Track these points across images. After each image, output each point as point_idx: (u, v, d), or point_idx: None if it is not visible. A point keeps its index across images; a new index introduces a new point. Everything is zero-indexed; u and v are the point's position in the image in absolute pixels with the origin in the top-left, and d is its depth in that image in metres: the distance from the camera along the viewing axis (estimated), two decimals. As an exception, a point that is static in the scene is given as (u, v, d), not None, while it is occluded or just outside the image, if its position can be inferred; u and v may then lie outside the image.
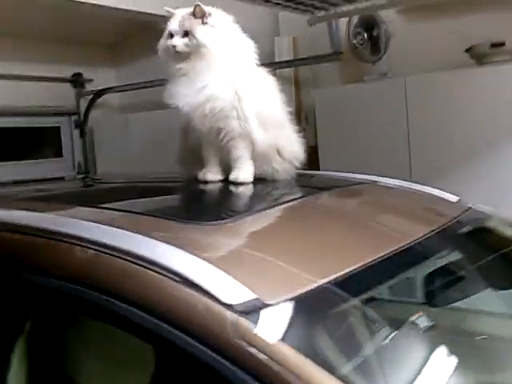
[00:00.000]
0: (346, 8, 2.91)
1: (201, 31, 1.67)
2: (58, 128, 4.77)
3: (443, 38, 3.70)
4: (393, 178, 1.91)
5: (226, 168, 1.75)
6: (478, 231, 1.47)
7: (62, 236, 1.14)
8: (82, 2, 3.52)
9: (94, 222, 1.20)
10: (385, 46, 3.79)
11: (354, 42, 3.88)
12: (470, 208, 1.59)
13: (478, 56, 3.41)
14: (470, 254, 1.33)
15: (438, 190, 1.82)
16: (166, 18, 1.75)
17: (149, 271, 0.98)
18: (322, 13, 3.01)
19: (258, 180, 1.72)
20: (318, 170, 3.51)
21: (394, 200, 1.61)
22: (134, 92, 4.79)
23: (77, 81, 4.83)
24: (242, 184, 1.69)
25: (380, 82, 3.71)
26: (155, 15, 3.80)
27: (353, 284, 1.02)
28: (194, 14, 1.68)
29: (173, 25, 1.69)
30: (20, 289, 1.18)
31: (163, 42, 1.73)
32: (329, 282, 0.98)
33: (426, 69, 3.60)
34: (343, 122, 3.70)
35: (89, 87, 4.91)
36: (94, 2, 3.54)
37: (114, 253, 1.05)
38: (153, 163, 4.26)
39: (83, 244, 1.09)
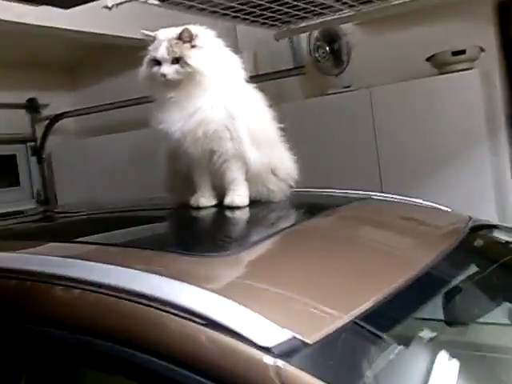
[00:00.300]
0: (313, 22, 2.88)
1: (192, 56, 1.60)
2: (14, 156, 4.60)
3: (404, 47, 3.74)
4: (381, 192, 1.90)
5: (220, 192, 1.69)
6: (489, 242, 1.45)
7: (55, 278, 1.05)
8: (31, 24, 3.36)
9: (88, 260, 1.11)
10: (347, 58, 3.80)
11: (316, 55, 3.87)
12: (471, 219, 1.57)
13: (440, 64, 3.45)
14: (490, 265, 1.30)
15: (431, 203, 1.81)
16: (144, 42, 1.67)
17: (166, 314, 0.90)
18: (285, 27, 2.98)
19: (254, 202, 1.66)
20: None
21: (400, 217, 1.58)
22: (91, 116, 4.67)
23: (32, 106, 4.67)
24: (238, 208, 1.62)
25: (344, 94, 3.72)
26: (110, 36, 3.74)
27: (385, 314, 0.97)
28: (181, 38, 1.60)
29: (160, 51, 1.60)
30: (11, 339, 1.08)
31: (147, 70, 1.65)
32: (361, 315, 0.92)
33: (388, 79, 3.63)
34: (309, 135, 3.68)
35: (45, 112, 4.75)
36: (43, 24, 3.38)
37: (122, 295, 0.96)
38: (115, 188, 4.17)
39: (82, 286, 1.01)
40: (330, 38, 3.82)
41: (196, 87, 1.59)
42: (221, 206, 1.66)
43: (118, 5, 2.14)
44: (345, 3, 2.55)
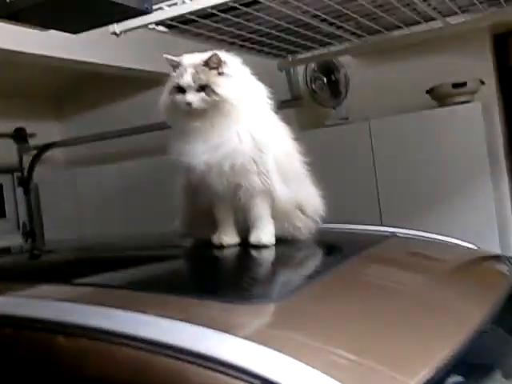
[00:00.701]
0: (319, 52, 2.83)
1: (220, 84, 1.51)
2: (0, 186, 4.45)
3: (402, 79, 3.71)
4: (401, 228, 1.83)
5: (243, 229, 1.60)
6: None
7: (81, 329, 0.95)
8: (16, 52, 3.25)
9: (118, 308, 1.00)
10: (345, 90, 3.76)
11: (313, 86, 3.83)
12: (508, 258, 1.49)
13: (440, 97, 3.43)
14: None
15: (457, 240, 1.74)
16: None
17: (216, 374, 0.80)
18: (291, 57, 2.92)
19: (279, 241, 1.57)
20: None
21: (441, 259, 1.49)
22: (80, 146, 4.57)
23: (19, 136, 4.54)
24: (264, 247, 1.53)
25: (343, 127, 3.67)
26: (100, 65, 3.65)
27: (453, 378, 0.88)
28: (208, 64, 1.52)
29: (185, 78, 1.51)
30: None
31: (169, 98, 1.56)
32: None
33: (386, 112, 3.59)
34: (307, 168, 3.60)
35: (32, 142, 4.62)
36: (27, 51, 3.27)
37: (160, 350, 0.86)
38: (104, 222, 4.04)
39: (115, 340, 0.90)
40: (328, 69, 3.79)
41: (222, 117, 1.51)
42: (245, 245, 1.56)
43: (126, 31, 2.06)
44: (353, 33, 2.50)
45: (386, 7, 2.21)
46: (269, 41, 2.51)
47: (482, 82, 3.40)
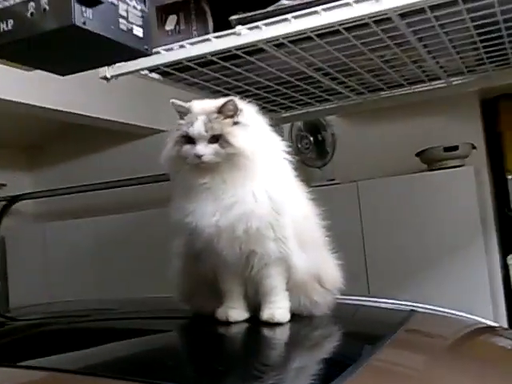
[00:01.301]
0: (313, 109, 2.69)
1: (236, 135, 1.32)
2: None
3: (391, 141, 3.62)
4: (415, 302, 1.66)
5: (252, 303, 1.39)
6: None
7: None
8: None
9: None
10: (332, 150, 3.63)
11: (299, 146, 3.69)
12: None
13: (431, 160, 3.34)
14: None
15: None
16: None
17: None
18: (286, 113, 2.77)
19: (294, 317, 1.37)
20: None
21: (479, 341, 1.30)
22: (52, 199, 4.31)
23: (-13, 185, 4.27)
24: (278, 325, 1.31)
25: (329, 188, 3.52)
26: (75, 114, 3.46)
27: None
28: (222, 112, 1.33)
29: (195, 127, 1.32)
30: None
31: (174, 149, 1.36)
32: None
33: (374, 174, 3.48)
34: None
35: (1, 193, 4.34)
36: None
37: None
38: (75, 283, 3.75)
39: None
40: (314, 127, 3.67)
41: (236, 172, 1.31)
42: (255, 322, 1.34)
43: (117, 76, 1.87)
44: (353, 90, 2.37)
45: (393, 63, 2.08)
46: (265, 94, 2.35)
47: (474, 147, 3.33)
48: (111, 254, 3.80)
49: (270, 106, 2.54)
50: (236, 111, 1.33)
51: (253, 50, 1.87)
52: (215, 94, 2.26)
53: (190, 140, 1.33)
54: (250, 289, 1.38)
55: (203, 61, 1.93)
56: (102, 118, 3.62)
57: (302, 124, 3.67)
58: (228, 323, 1.34)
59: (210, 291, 1.41)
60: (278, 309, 1.34)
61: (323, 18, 1.61)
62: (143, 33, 1.45)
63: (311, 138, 3.66)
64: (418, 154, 3.38)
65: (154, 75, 2.02)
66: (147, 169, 3.98)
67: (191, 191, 1.33)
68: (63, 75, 1.66)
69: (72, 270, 3.82)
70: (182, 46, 1.80)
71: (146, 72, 1.98)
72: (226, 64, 1.96)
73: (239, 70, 2.02)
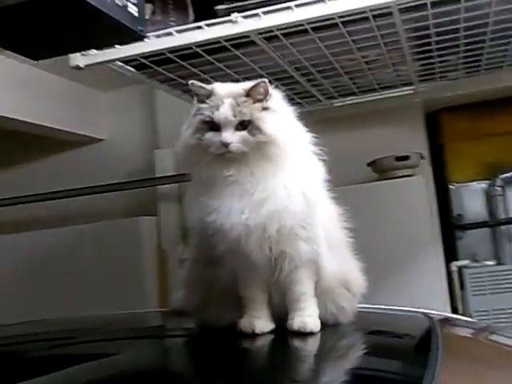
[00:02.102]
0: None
1: (267, 121, 1.18)
2: None
3: (342, 151, 3.56)
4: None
5: (276, 311, 1.25)
6: None
7: None
8: None
9: None
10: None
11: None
12: None
13: (383, 170, 3.33)
14: None
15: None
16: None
17: None
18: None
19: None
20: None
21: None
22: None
23: None
24: (310, 334, 1.17)
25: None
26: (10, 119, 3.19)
27: None
28: (251, 95, 1.18)
29: (221, 111, 1.16)
30: None
31: (193, 138, 1.19)
32: None
33: (326, 184, 3.40)
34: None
35: None
36: None
37: None
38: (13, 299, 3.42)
39: None
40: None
41: (266, 164, 1.17)
42: (281, 333, 1.19)
43: (90, 65, 1.68)
44: (324, 94, 2.29)
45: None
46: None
47: (422, 157, 3.36)
48: (53, 270, 3.50)
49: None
50: (266, 95, 1.20)
51: (240, 43, 1.75)
52: (186, 94, 2.12)
53: (213, 126, 1.17)
54: (275, 296, 1.24)
55: (186, 53, 1.78)
56: (33, 123, 3.35)
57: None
58: (254, 335, 1.18)
59: (226, 300, 1.26)
60: (309, 317, 1.21)
61: (328, 7, 1.51)
62: (138, 12, 1.30)
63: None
64: (369, 164, 3.36)
65: (129, 68, 1.85)
66: (87, 179, 3.76)
67: (214, 185, 1.17)
68: (36, 59, 1.47)
69: (12, 286, 3.49)
70: (168, 34, 1.64)
71: (120, 64, 1.80)
72: (210, 58, 1.82)
73: (221, 65, 1.89)
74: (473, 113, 3.57)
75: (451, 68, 2.13)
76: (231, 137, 1.14)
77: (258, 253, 1.17)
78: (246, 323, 1.21)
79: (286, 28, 1.63)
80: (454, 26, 1.73)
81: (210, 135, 1.17)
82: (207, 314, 1.29)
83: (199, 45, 1.70)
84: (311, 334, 1.18)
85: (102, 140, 3.92)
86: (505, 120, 3.52)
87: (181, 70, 1.89)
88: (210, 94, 1.20)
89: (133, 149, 3.88)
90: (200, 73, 1.94)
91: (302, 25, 1.62)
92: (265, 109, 1.19)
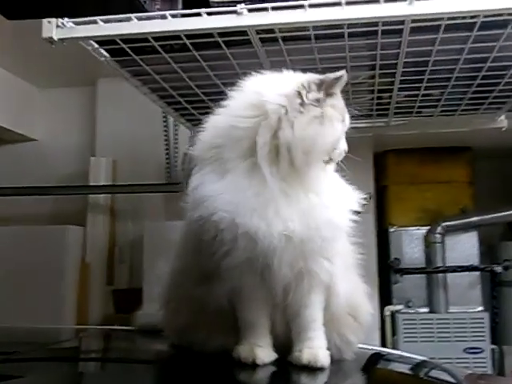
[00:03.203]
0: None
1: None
2: None
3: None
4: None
5: (279, 340, 1.07)
6: None
7: None
8: None
9: None
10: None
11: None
12: None
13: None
14: None
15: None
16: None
17: None
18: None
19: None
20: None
21: None
22: None
23: None
24: (320, 370, 1.00)
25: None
26: None
27: None
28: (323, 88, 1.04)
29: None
30: None
31: None
32: None
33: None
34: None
35: None
36: None
37: None
38: None
39: None
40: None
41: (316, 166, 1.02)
42: (284, 365, 1.01)
43: (64, 40, 1.46)
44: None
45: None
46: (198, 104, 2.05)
47: (370, 197, 3.31)
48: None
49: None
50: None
51: (232, 41, 1.59)
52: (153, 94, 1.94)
53: None
54: (279, 322, 1.06)
55: (171, 43, 1.60)
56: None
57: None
58: (254, 365, 0.99)
59: (217, 323, 1.07)
60: (320, 349, 1.04)
61: (346, 12, 1.38)
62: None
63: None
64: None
65: (102, 51, 1.64)
66: (14, 179, 3.44)
67: (259, 181, 0.99)
68: (10, 18, 1.26)
69: None
70: (163, 17, 1.45)
71: (95, 45, 1.59)
72: (196, 54, 1.64)
73: (205, 64, 1.72)
74: (419, 158, 3.58)
75: (406, 106, 2.08)
76: None
77: (287, 269, 1.00)
78: (246, 352, 1.02)
79: (289, 31, 1.49)
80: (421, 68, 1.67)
81: None
82: (193, 338, 1.09)
83: (190, 35, 1.52)
84: (322, 369, 1.00)
85: (34, 140, 3.62)
86: (449, 168, 3.54)
87: (160, 62, 1.70)
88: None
89: (67, 153, 3.62)
90: (179, 70, 1.76)
91: (307, 29, 1.49)
92: None
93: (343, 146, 1.07)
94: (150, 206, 3.49)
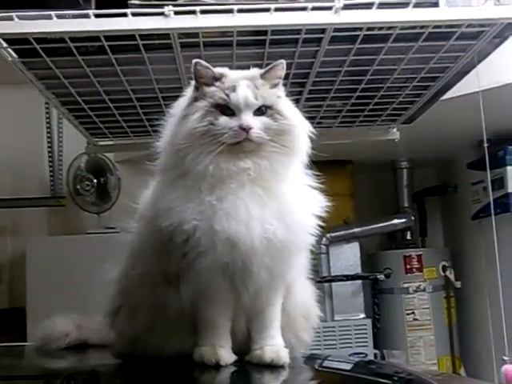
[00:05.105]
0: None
1: (287, 107, 1.04)
2: None
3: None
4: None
5: (237, 341, 1.06)
6: None
7: None
8: None
9: None
10: (116, 196, 3.28)
11: (78, 187, 3.25)
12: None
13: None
14: None
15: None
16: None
17: None
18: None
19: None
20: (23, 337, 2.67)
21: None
22: None
23: None
24: (280, 368, 1.00)
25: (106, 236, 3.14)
26: None
27: None
28: (266, 79, 1.04)
29: (239, 93, 0.99)
30: None
31: (202, 123, 0.99)
32: None
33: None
34: (62, 278, 2.92)
35: None
36: None
37: None
38: None
39: None
40: (98, 169, 3.28)
41: (286, 159, 1.02)
42: (243, 364, 1.00)
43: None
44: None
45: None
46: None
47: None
48: None
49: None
50: (280, 80, 1.06)
51: (150, 45, 1.56)
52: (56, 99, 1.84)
53: (226, 111, 1.00)
54: (240, 322, 1.04)
55: (85, 45, 1.54)
56: None
57: (84, 163, 3.25)
58: (217, 366, 0.97)
59: (175, 326, 1.03)
60: (281, 347, 1.04)
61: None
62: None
63: (95, 181, 3.25)
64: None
65: (10, 51, 1.53)
66: None
67: (224, 183, 0.98)
68: None
69: None
70: (85, 16, 1.39)
71: (4, 44, 1.49)
72: (112, 57, 1.59)
73: (118, 68, 1.66)
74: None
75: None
76: (254, 121, 0.98)
77: (265, 272, 0.99)
78: (208, 354, 0.99)
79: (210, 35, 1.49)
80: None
81: (224, 120, 0.99)
82: (149, 343, 1.04)
83: (109, 37, 1.47)
84: (282, 367, 1.00)
85: None
86: (333, 181, 3.68)
87: (71, 65, 1.62)
88: (219, 77, 1.03)
89: None
90: (91, 75, 1.68)
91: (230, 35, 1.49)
92: (278, 97, 1.05)
93: None
94: (30, 221, 3.30)
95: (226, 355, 1.01)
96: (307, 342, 1.15)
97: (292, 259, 1.03)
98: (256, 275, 0.98)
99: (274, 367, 1.00)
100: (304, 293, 1.14)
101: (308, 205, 1.04)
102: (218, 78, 1.03)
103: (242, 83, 1.01)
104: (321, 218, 1.05)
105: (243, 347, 1.04)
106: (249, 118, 0.99)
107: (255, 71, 1.07)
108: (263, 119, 1.01)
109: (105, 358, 1.21)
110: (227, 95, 1.00)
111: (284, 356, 1.02)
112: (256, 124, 0.99)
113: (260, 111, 1.01)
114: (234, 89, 1.00)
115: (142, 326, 1.06)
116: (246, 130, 0.98)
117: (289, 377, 1.00)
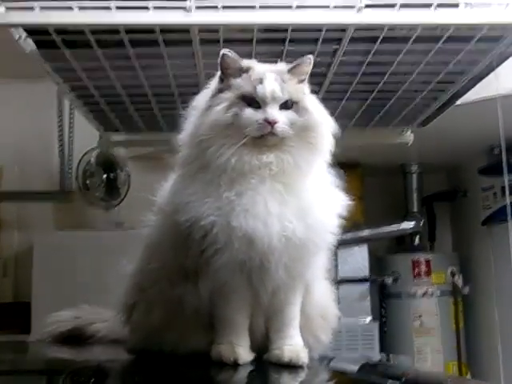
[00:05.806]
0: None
1: (313, 103, 1.04)
2: None
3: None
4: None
5: (255, 339, 1.05)
6: None
7: None
8: None
9: None
10: (125, 193, 3.27)
11: (87, 182, 3.24)
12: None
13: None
14: None
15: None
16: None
17: None
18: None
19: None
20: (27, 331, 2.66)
21: None
22: None
23: None
24: (299, 368, 0.99)
25: (115, 233, 3.13)
26: None
27: None
28: (294, 74, 1.04)
29: (266, 86, 0.99)
30: None
31: (228, 113, 0.99)
32: None
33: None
34: (68, 274, 2.92)
35: None
36: None
37: None
38: None
39: None
40: (108, 165, 3.27)
41: (310, 156, 1.00)
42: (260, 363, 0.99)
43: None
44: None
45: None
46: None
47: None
48: None
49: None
50: (306, 75, 1.05)
51: (168, 38, 1.55)
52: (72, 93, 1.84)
53: (252, 103, 0.99)
54: (259, 321, 1.03)
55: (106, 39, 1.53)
56: None
57: (94, 158, 3.24)
58: (235, 365, 0.96)
59: (191, 323, 1.02)
60: (300, 347, 1.03)
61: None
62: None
63: (104, 176, 3.24)
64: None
65: (30, 42, 1.52)
66: None
67: (245, 178, 0.97)
68: None
69: None
70: (106, 8, 1.37)
71: (24, 34, 1.48)
72: (130, 50, 1.58)
73: (136, 63, 1.65)
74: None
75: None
76: (279, 115, 0.97)
77: (283, 271, 0.98)
78: (226, 352, 0.98)
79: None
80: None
81: (250, 112, 0.98)
82: (165, 339, 1.03)
83: (128, 30, 1.46)
84: (301, 367, 0.99)
85: None
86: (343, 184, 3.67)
87: (89, 58, 1.61)
88: (246, 69, 1.03)
89: None
90: (108, 68, 1.67)
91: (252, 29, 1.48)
92: (304, 93, 1.05)
93: None
94: (38, 215, 3.29)
95: (245, 354, 1.00)
96: (325, 343, 1.14)
97: (311, 259, 1.02)
98: (274, 274, 0.97)
99: (292, 367, 0.99)
100: (322, 293, 1.13)
101: (329, 203, 1.02)
102: (245, 70, 1.03)
103: (269, 76, 1.01)
104: (342, 217, 1.03)
105: (261, 346, 1.03)
106: (274, 112, 0.98)
107: (283, 65, 1.06)
108: (289, 114, 1.00)
109: (118, 354, 1.19)
110: (254, 87, 0.99)
111: (303, 356, 1.01)
112: (281, 118, 0.98)
113: (286, 105, 1.00)
114: (260, 81, 1.00)
115: (158, 323, 1.05)
116: (271, 123, 0.97)
117: (307, 378, 0.99)
